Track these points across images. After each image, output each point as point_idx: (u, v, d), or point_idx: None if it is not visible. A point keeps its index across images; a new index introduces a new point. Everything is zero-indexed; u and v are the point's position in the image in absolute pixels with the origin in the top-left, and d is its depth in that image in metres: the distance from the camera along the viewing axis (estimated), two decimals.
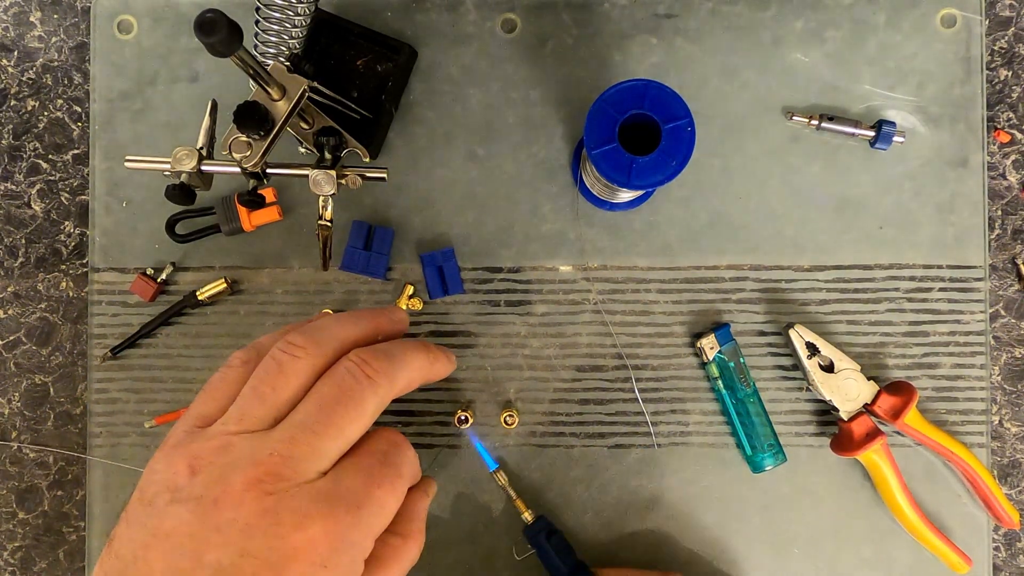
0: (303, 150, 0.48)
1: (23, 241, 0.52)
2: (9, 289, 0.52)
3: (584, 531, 0.49)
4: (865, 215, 0.49)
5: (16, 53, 0.52)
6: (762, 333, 0.49)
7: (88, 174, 0.51)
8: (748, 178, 0.49)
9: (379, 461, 0.33)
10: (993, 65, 0.51)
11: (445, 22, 0.50)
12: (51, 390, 0.52)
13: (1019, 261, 0.51)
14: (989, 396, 0.49)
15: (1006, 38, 0.51)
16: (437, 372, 0.39)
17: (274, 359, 0.33)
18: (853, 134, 0.48)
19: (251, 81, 0.39)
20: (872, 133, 0.48)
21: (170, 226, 0.50)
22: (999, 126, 0.51)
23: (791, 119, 0.49)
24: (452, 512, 0.49)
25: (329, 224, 0.43)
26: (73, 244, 0.52)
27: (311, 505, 0.30)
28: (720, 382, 0.48)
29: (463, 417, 0.48)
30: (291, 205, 0.50)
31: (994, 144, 0.51)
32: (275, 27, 0.43)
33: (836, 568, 0.49)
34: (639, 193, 0.46)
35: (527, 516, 0.48)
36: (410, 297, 0.49)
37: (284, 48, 0.44)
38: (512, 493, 0.48)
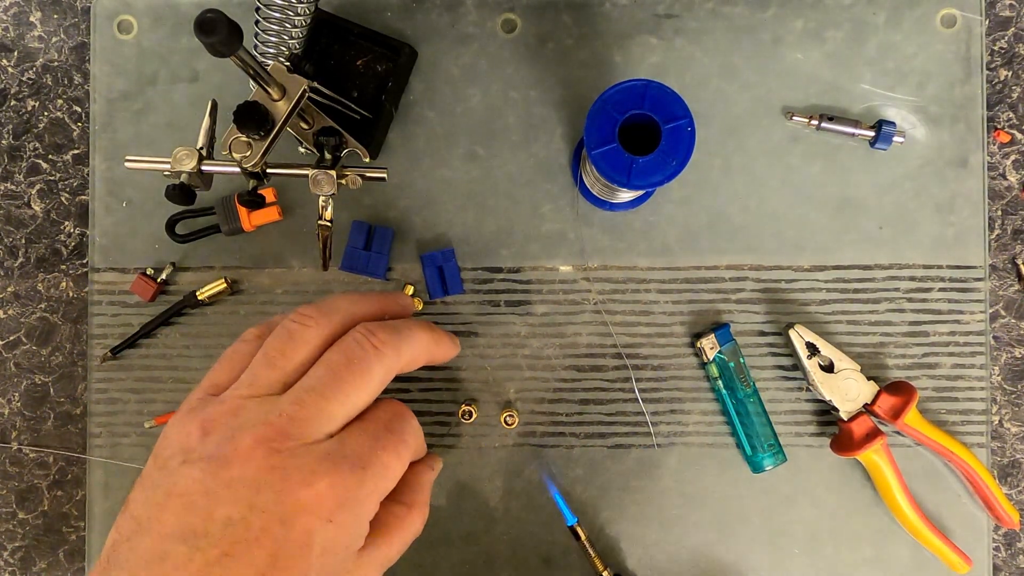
0: (303, 150, 0.48)
1: (23, 241, 0.52)
2: (9, 289, 0.52)
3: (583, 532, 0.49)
4: (865, 215, 0.49)
5: (16, 53, 0.52)
6: (762, 333, 0.49)
7: (88, 174, 0.51)
8: (748, 178, 0.49)
9: (384, 427, 0.35)
10: (993, 65, 0.51)
11: (445, 22, 0.50)
12: (51, 390, 0.52)
13: (1019, 261, 0.51)
14: (989, 396, 0.49)
15: (1006, 38, 0.51)
16: (442, 352, 0.41)
17: (285, 328, 0.35)
18: (853, 134, 0.48)
19: (251, 81, 0.39)
20: (872, 133, 0.48)
21: (170, 226, 0.50)
22: (999, 126, 0.51)
23: (791, 119, 0.49)
24: (452, 512, 0.49)
25: (329, 224, 0.43)
26: (73, 244, 0.52)
27: (318, 463, 0.31)
28: (720, 382, 0.48)
29: (468, 411, 0.48)
30: (291, 205, 0.50)
31: (994, 144, 0.51)
32: (275, 27, 0.43)
33: (836, 568, 0.49)
34: (639, 193, 0.46)
35: (605, 574, 0.47)
36: (410, 297, 0.49)
37: (284, 48, 0.44)
38: (592, 551, 0.47)
